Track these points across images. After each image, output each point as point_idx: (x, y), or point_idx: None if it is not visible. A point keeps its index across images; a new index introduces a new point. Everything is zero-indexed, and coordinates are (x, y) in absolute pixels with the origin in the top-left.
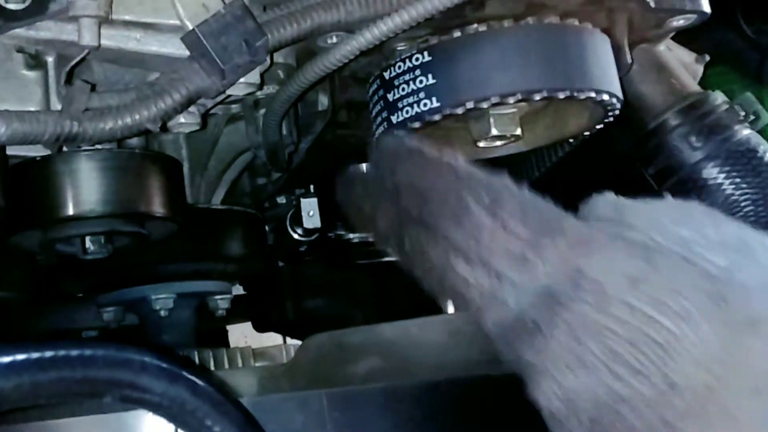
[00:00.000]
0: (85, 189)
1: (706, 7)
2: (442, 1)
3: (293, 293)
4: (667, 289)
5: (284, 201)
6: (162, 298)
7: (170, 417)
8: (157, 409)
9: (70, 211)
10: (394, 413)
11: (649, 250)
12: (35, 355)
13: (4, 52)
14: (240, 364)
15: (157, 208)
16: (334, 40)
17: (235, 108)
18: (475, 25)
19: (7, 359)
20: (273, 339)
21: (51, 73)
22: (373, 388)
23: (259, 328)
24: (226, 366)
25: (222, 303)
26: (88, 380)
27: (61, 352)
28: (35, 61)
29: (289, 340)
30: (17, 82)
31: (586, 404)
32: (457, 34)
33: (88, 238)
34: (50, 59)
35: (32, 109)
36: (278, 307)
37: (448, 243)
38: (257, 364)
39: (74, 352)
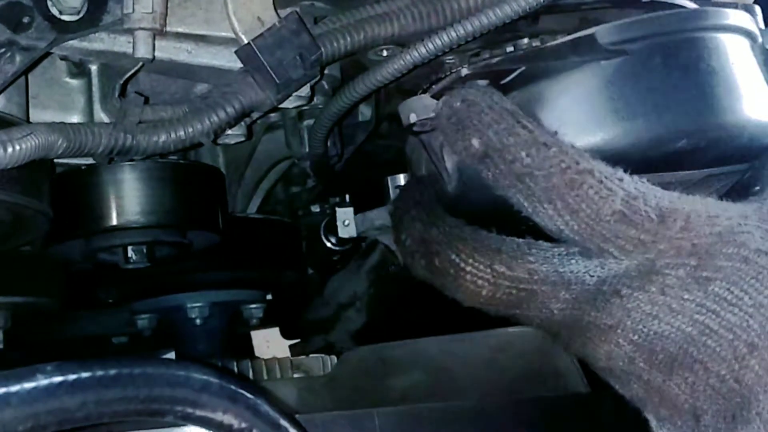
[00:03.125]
0: (128, 199)
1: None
2: (498, 16)
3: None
4: (754, 232)
5: (318, 210)
6: (197, 307)
7: None
8: (217, 428)
9: (114, 221)
10: None
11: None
12: (99, 372)
13: (48, 59)
14: (278, 375)
15: (200, 218)
16: (385, 53)
17: (273, 117)
18: (528, 39)
19: (72, 376)
20: None
21: (95, 81)
22: (425, 408)
23: (287, 335)
24: (265, 377)
25: (256, 312)
26: (150, 398)
27: (125, 370)
28: (78, 69)
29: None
30: (60, 89)
31: (668, 345)
32: (509, 48)
33: (130, 248)
34: (94, 67)
35: (75, 116)
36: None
37: (485, 248)
38: (296, 376)
39: (137, 370)
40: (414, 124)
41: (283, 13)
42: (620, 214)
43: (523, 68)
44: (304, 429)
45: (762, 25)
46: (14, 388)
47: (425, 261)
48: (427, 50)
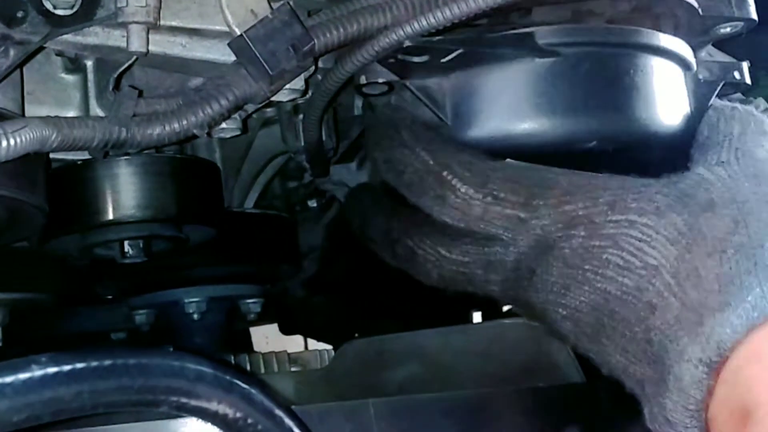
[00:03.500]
0: (124, 194)
1: (754, 15)
2: (486, 2)
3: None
4: (639, 198)
5: (315, 204)
6: (195, 302)
7: (225, 426)
8: (212, 418)
9: (110, 216)
10: (442, 424)
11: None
12: (94, 363)
13: (43, 55)
14: (276, 368)
15: (196, 212)
16: None
17: (269, 112)
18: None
19: (67, 367)
20: (295, 341)
21: (90, 76)
22: (421, 398)
23: (285, 330)
24: (262, 370)
25: (254, 307)
26: (145, 389)
27: (120, 361)
28: (74, 65)
29: (317, 344)
30: (56, 85)
31: (587, 317)
32: None
33: (126, 243)
34: (89, 63)
35: (71, 112)
36: (302, 301)
37: (435, 232)
38: (293, 369)
39: (132, 360)
40: (363, 85)
41: (276, 5)
42: (490, 196)
43: (461, 50)
44: (300, 419)
45: (755, 17)
46: (9, 379)
47: (390, 250)
48: (412, 29)
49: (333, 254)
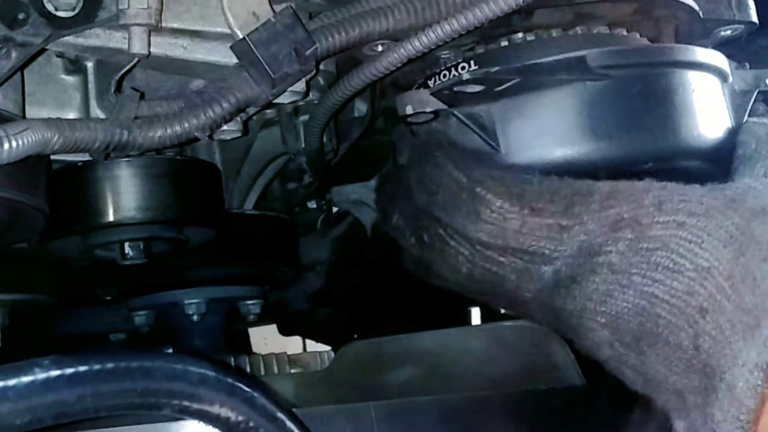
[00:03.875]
0: (125, 195)
1: (755, 18)
2: (492, 10)
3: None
4: (686, 200)
5: (315, 206)
6: (194, 303)
7: (227, 429)
8: (214, 421)
9: (111, 218)
10: (443, 426)
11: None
12: (97, 366)
13: (44, 57)
14: (276, 370)
15: (196, 214)
16: (380, 48)
17: (269, 113)
18: (522, 34)
19: (70, 370)
20: (294, 342)
21: (91, 77)
22: (422, 401)
23: (285, 331)
24: (262, 372)
25: (253, 308)
26: (148, 392)
27: (122, 364)
28: (74, 66)
29: (319, 346)
30: (56, 86)
31: (629, 323)
32: (504, 43)
33: (127, 244)
34: (90, 64)
35: (72, 113)
36: (305, 312)
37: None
38: (293, 371)
39: (134, 364)
40: (409, 115)
41: (278, 8)
42: (526, 208)
43: (518, 80)
44: (301, 422)
45: (756, 20)
46: (12, 382)
47: (415, 237)
48: (421, 44)
49: (340, 269)
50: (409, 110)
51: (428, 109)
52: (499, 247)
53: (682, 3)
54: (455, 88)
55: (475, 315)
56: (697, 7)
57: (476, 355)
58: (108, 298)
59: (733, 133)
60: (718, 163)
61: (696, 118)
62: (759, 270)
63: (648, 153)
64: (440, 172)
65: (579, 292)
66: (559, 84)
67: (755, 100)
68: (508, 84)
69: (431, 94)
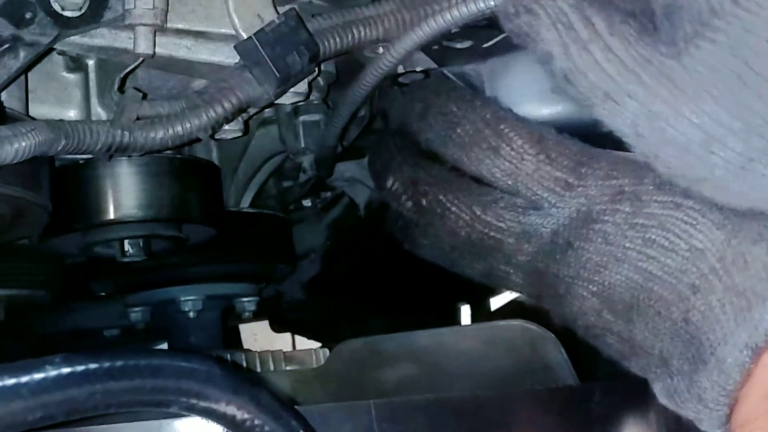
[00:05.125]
0: (125, 193)
1: None
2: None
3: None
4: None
5: (310, 204)
6: (191, 300)
7: (233, 427)
8: (221, 419)
9: (111, 216)
10: (443, 425)
11: None
12: (107, 363)
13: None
14: (272, 367)
15: (196, 212)
16: (381, 51)
17: (267, 112)
18: None
19: (80, 368)
20: (283, 338)
21: (91, 75)
22: (423, 399)
23: (276, 327)
24: (258, 368)
25: (249, 305)
26: (157, 389)
27: (132, 362)
28: (76, 64)
29: (311, 343)
30: (57, 84)
31: (622, 295)
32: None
33: (127, 242)
34: (91, 62)
35: (72, 111)
36: (299, 304)
37: (470, 191)
38: (289, 368)
39: (144, 362)
40: (400, 75)
41: (282, 10)
42: (543, 154)
43: (504, 34)
44: (305, 420)
45: None
46: (24, 379)
47: (413, 202)
48: (430, 29)
49: (336, 254)
50: (399, 69)
51: (418, 69)
52: (505, 190)
53: None
54: (444, 43)
55: (465, 314)
56: None
57: (471, 354)
58: (103, 294)
59: None
60: None
61: None
62: (749, 252)
63: None
64: (466, 105)
65: (574, 259)
66: None
67: None
68: (496, 39)
69: (420, 49)
